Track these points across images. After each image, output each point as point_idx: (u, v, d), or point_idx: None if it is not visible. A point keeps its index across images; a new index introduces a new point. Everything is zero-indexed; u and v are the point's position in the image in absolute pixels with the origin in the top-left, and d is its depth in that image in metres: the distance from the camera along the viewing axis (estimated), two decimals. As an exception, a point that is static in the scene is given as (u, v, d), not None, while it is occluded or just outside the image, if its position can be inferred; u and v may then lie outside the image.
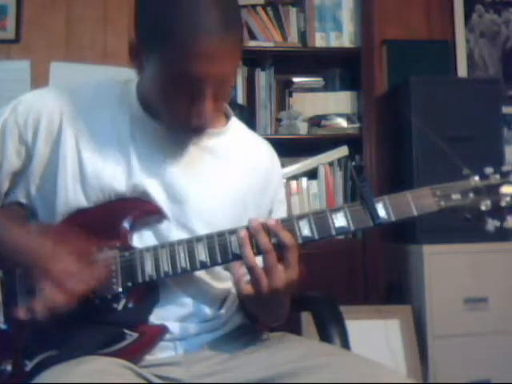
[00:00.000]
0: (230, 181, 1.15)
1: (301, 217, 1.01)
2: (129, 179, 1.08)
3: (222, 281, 1.14)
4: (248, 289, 0.98)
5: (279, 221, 1.00)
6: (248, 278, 0.99)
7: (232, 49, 1.00)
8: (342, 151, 2.65)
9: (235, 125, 1.24)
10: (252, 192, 1.18)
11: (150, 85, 1.06)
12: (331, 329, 1.27)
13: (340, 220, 1.00)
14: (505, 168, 1.00)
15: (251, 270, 0.97)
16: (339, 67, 2.77)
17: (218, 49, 0.97)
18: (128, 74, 1.18)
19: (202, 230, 1.07)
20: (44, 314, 0.96)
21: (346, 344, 1.25)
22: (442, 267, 2.34)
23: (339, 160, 2.65)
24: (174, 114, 1.04)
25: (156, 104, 1.07)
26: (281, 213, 1.23)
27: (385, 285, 2.52)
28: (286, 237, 0.97)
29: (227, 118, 1.23)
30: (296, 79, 2.78)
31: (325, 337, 1.26)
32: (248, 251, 0.97)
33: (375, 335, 2.30)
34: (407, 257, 2.49)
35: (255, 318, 1.15)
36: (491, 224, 0.99)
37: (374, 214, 0.99)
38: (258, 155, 1.23)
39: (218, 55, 0.97)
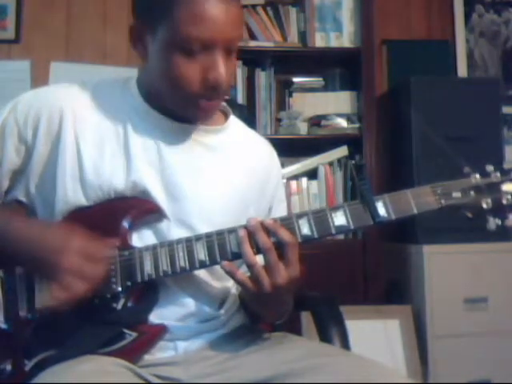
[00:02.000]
0: (230, 178, 1.15)
1: (300, 215, 1.00)
2: (128, 176, 1.08)
3: (222, 280, 1.14)
4: (248, 283, 0.98)
5: (277, 220, 1.00)
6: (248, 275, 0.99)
7: (238, 10, 1.04)
8: (342, 151, 2.65)
9: (234, 123, 1.24)
10: (252, 190, 1.18)
11: (156, 64, 1.06)
12: (331, 329, 1.27)
13: (340, 218, 1.00)
14: (506, 166, 1.00)
15: (251, 268, 0.97)
16: (339, 67, 2.77)
17: (225, 9, 1.00)
18: (128, 74, 1.18)
19: (201, 226, 1.07)
20: (45, 311, 0.96)
21: (345, 344, 1.24)
22: (442, 267, 2.34)
23: (339, 160, 2.65)
24: (187, 85, 1.03)
25: (162, 88, 1.07)
26: (280, 211, 1.23)
27: (385, 285, 2.52)
28: (285, 235, 0.97)
29: (226, 116, 1.23)
30: (296, 79, 2.78)
31: (325, 337, 1.26)
32: (247, 249, 0.97)
33: (375, 335, 2.30)
34: (407, 257, 2.49)
35: (256, 318, 1.15)
36: (492, 222, 0.99)
37: (373, 212, 0.98)
38: (257, 153, 1.23)
39: (226, 15, 1.00)
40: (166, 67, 1.04)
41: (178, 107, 1.09)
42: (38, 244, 1.00)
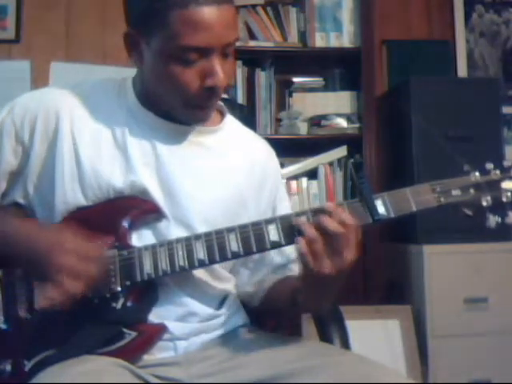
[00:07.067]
0: (227, 177, 1.15)
1: (300, 214, 1.00)
2: (127, 176, 1.08)
3: (221, 281, 1.14)
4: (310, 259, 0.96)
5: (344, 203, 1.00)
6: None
7: (231, 13, 1.02)
8: (342, 151, 2.66)
9: (230, 122, 1.24)
10: (250, 188, 1.18)
11: (152, 72, 1.06)
12: (331, 329, 1.27)
13: (339, 217, 1.00)
14: (505, 163, 1.00)
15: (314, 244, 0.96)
16: (339, 67, 2.77)
17: (219, 14, 1.00)
18: (127, 74, 1.18)
19: (199, 225, 1.08)
20: (43, 311, 0.96)
21: (346, 344, 1.24)
22: (442, 267, 2.34)
23: (339, 160, 2.66)
24: (186, 91, 1.04)
25: (159, 93, 1.07)
26: (284, 209, 1.21)
27: (385, 285, 2.52)
28: (348, 218, 0.96)
29: (222, 115, 1.22)
30: (296, 79, 2.78)
31: (325, 337, 1.26)
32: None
33: (375, 335, 2.30)
34: (407, 257, 2.49)
35: (297, 306, 1.11)
36: (492, 220, 0.99)
37: (373, 210, 0.99)
38: (254, 151, 1.23)
39: (221, 20, 1.00)
40: (163, 75, 1.04)
41: (177, 111, 1.09)
42: (33, 245, 1.01)
